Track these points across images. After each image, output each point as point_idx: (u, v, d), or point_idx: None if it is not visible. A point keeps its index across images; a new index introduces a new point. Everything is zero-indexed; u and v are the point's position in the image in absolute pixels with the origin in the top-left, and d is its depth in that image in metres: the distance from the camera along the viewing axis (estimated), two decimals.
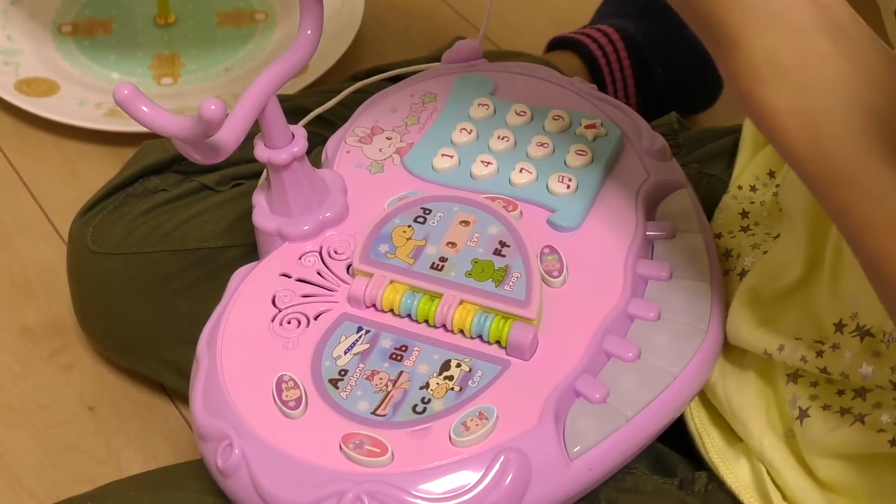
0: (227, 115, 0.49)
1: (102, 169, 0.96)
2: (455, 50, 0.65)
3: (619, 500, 0.53)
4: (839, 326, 0.50)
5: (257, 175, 0.68)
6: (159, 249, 0.70)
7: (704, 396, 0.56)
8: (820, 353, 0.49)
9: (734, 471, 0.53)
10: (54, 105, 1.00)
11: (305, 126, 0.59)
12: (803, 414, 0.50)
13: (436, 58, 0.68)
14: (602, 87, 0.92)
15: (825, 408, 0.50)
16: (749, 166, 0.61)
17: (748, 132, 0.64)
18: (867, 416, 0.48)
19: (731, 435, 0.55)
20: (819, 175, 0.40)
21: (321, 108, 0.63)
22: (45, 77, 1.03)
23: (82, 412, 0.82)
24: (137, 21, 1.09)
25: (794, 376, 0.52)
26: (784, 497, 0.52)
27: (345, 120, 0.63)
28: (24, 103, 1.00)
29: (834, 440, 0.49)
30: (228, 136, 0.49)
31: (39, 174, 0.98)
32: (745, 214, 0.59)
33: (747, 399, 0.53)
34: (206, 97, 0.45)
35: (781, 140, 0.40)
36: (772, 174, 0.61)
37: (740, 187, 0.61)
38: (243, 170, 0.72)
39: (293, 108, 0.74)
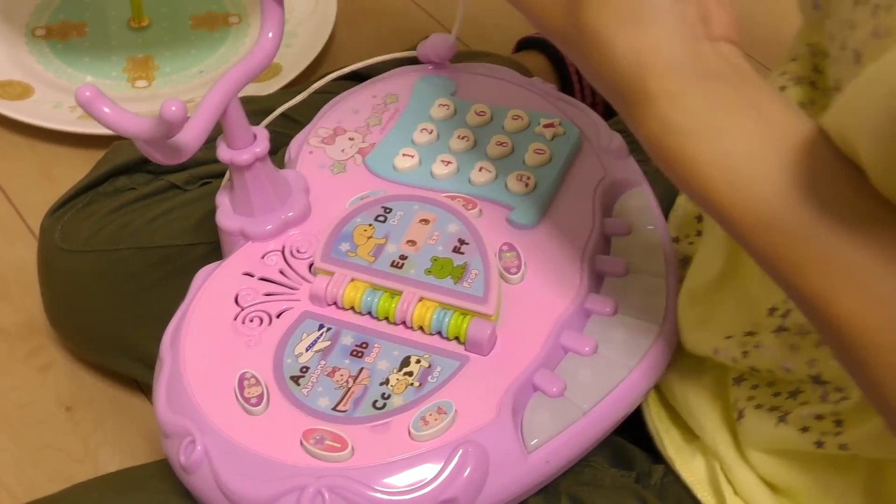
0: (190, 116, 0.50)
1: (77, 171, 0.95)
2: (430, 42, 0.63)
3: (579, 494, 0.53)
4: (772, 311, 0.51)
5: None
6: (127, 247, 0.70)
7: (663, 395, 0.57)
8: (745, 354, 0.50)
9: (689, 466, 0.54)
10: (29, 108, 1.00)
11: (272, 126, 0.59)
12: (740, 415, 0.52)
13: (405, 59, 0.68)
14: (569, 87, 0.93)
15: (758, 407, 0.51)
16: None
17: None
18: (790, 413, 0.49)
19: (689, 433, 0.55)
20: (741, 219, 0.40)
21: (282, 107, 0.64)
22: (20, 80, 1.03)
23: (59, 412, 0.82)
24: (111, 24, 1.09)
25: (739, 380, 0.53)
26: (735, 492, 0.53)
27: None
28: None
29: (762, 438, 0.50)
30: (190, 138, 0.50)
31: (14, 176, 0.98)
32: (700, 218, 0.59)
33: (703, 400, 0.54)
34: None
35: (700, 187, 0.41)
36: None
37: None
38: (212, 169, 0.72)
39: (264, 110, 0.75)
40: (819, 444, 0.48)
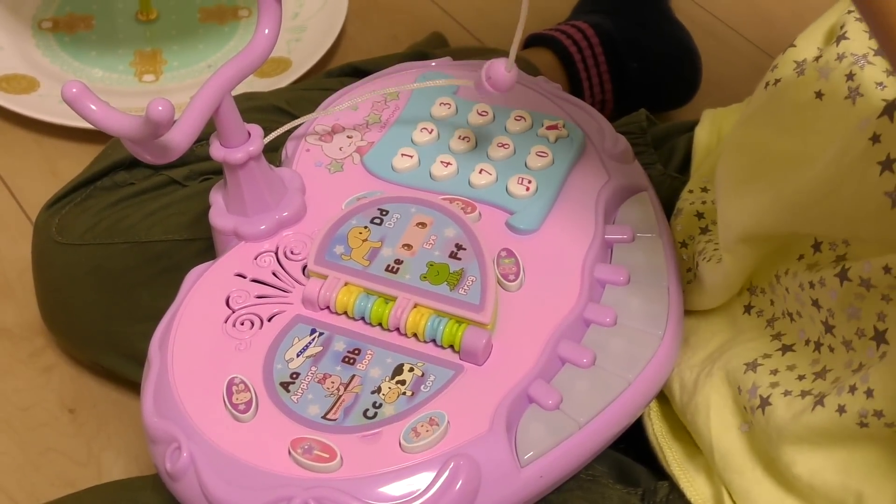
0: (181, 114, 0.48)
1: (83, 167, 0.95)
2: (489, 72, 0.53)
3: None
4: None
5: None
6: (123, 241, 0.69)
7: (667, 409, 0.55)
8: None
9: (694, 483, 0.53)
10: (34, 102, 0.99)
11: (270, 122, 0.58)
12: (764, 402, 0.49)
13: (410, 55, 0.67)
14: (577, 84, 0.92)
15: (786, 394, 0.49)
16: (699, 171, 0.61)
17: (700, 139, 0.64)
18: (826, 396, 0.46)
19: (693, 447, 0.54)
20: None
21: (290, 124, 0.61)
22: (25, 74, 1.02)
23: (62, 414, 0.81)
24: (119, 17, 1.08)
25: (754, 365, 0.51)
26: None
27: None
28: (3, 100, 0.99)
29: (799, 427, 0.47)
30: (179, 137, 0.48)
31: (19, 172, 0.97)
32: (700, 216, 0.58)
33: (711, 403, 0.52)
34: (188, 94, 0.44)
35: None
36: None
37: (691, 191, 0.60)
38: (213, 165, 0.71)
39: (266, 107, 0.74)
40: (862, 425, 0.45)
